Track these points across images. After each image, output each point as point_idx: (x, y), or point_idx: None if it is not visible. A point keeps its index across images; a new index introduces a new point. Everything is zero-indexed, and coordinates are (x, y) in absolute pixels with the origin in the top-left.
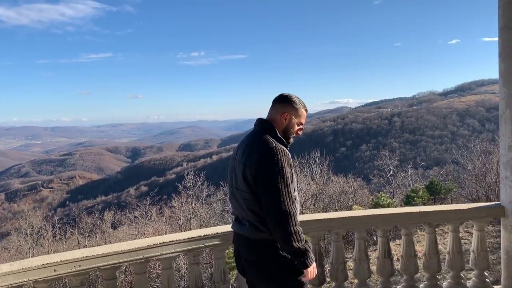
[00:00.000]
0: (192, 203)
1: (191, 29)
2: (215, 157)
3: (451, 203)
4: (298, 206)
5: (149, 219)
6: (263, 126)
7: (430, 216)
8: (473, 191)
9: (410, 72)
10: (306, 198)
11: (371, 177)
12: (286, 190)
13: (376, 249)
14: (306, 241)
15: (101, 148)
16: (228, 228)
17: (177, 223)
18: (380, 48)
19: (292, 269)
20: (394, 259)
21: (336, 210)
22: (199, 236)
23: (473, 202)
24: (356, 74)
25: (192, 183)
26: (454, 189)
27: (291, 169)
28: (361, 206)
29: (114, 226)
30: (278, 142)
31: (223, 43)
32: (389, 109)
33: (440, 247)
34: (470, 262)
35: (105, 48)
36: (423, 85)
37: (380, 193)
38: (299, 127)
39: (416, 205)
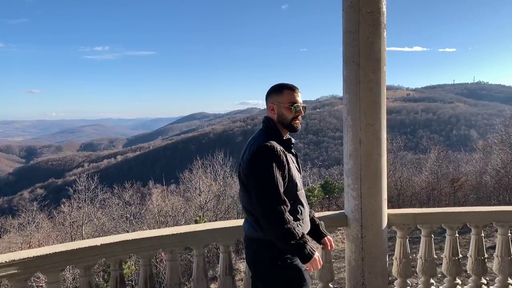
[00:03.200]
0: (85, 207)
1: (94, 21)
2: (120, 158)
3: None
4: (303, 200)
5: (36, 226)
6: (264, 124)
7: None
8: None
9: (315, 76)
10: (208, 200)
11: None
12: (275, 189)
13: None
14: (302, 235)
15: None
16: (29, 253)
17: (68, 229)
18: (287, 51)
19: (288, 273)
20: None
21: (238, 211)
22: None
23: None
24: (266, 75)
25: (85, 186)
26: None
27: (285, 166)
28: None
29: None
30: (277, 138)
31: (129, 39)
32: None
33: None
34: (315, 275)
35: None
36: (326, 89)
37: None
38: (293, 107)
39: (312, 204)
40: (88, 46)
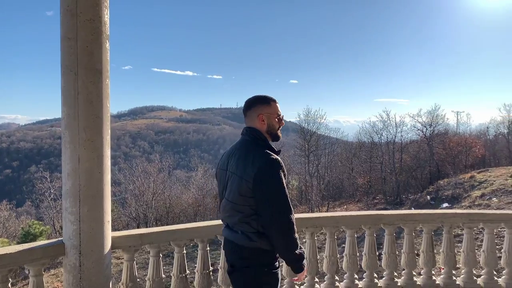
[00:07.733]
0: None
1: None
2: None
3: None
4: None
5: None
6: (253, 135)
7: None
8: (133, 209)
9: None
10: None
11: (30, 202)
12: (287, 200)
13: None
14: (300, 247)
15: None
16: None
17: None
18: (52, 58)
19: (269, 280)
20: None
21: None
22: None
23: (133, 220)
24: (33, 88)
25: None
26: (115, 209)
27: (286, 176)
28: (8, 238)
29: None
30: (272, 149)
31: None
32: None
33: None
34: None
35: None
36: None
37: (32, 220)
38: (279, 119)
39: None
40: None
